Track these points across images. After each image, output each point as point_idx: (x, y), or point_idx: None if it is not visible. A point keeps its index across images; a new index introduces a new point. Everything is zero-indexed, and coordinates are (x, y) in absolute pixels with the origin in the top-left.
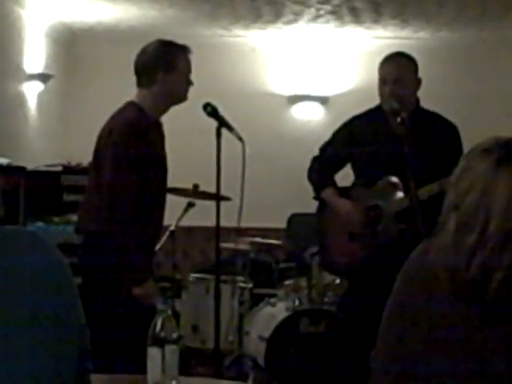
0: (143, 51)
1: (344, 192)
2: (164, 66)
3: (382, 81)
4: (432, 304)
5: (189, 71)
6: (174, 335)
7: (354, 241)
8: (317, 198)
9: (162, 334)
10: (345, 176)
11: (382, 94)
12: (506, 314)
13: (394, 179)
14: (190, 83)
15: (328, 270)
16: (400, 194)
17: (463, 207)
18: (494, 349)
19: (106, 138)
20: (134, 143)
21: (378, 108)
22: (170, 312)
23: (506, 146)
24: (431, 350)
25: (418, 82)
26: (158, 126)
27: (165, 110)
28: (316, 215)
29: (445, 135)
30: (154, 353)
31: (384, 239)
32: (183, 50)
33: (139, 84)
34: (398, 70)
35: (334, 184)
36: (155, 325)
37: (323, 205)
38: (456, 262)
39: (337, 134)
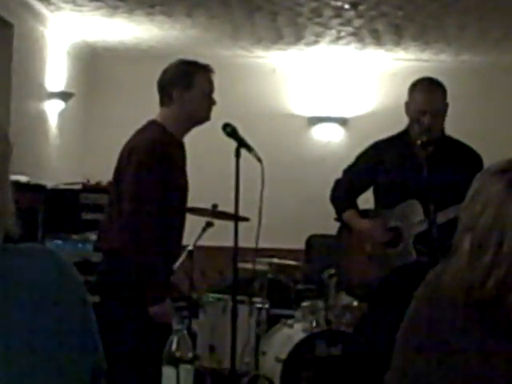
0: (165, 70)
1: (365, 214)
2: (181, 83)
3: (420, 111)
4: (446, 326)
5: (209, 90)
6: (189, 355)
7: (372, 261)
8: (338, 219)
9: (177, 354)
10: (366, 200)
11: (415, 123)
12: None
13: (415, 202)
14: (212, 102)
15: (346, 291)
16: (420, 217)
17: (477, 228)
18: (507, 369)
19: (128, 157)
20: (156, 162)
21: (404, 133)
22: (185, 332)
23: None
24: (445, 372)
25: (447, 108)
26: (181, 146)
27: (187, 129)
28: (335, 237)
29: (468, 163)
30: (168, 372)
31: (403, 260)
32: (203, 68)
33: (161, 103)
34: (437, 101)
35: (355, 206)
36: (170, 344)
37: (344, 227)
38: (471, 282)
39: (361, 158)
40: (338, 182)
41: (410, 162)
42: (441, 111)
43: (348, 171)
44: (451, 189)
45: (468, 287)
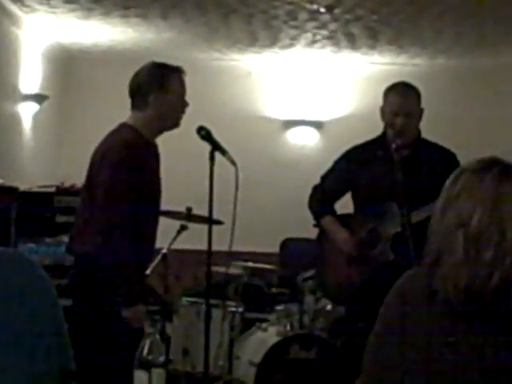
0: (137, 73)
1: (344, 219)
2: (157, 87)
3: (393, 113)
4: (423, 329)
5: (183, 93)
6: (161, 359)
7: (351, 266)
8: (317, 225)
9: (149, 358)
10: (344, 204)
11: (389, 126)
12: None
13: (392, 204)
14: (185, 104)
15: (325, 295)
16: (397, 218)
17: (471, 225)
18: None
19: (101, 159)
20: (129, 164)
21: (381, 137)
22: (157, 335)
23: (501, 161)
24: (419, 374)
25: (421, 112)
26: (153, 148)
27: (158, 132)
28: (316, 242)
29: (444, 164)
30: (140, 376)
31: (381, 262)
32: (176, 71)
33: (133, 106)
34: (410, 104)
35: (333, 212)
36: (142, 348)
37: (323, 232)
38: (470, 278)
39: (338, 163)
40: (315, 189)
41: (387, 166)
42: (413, 114)
43: (325, 177)
44: (428, 190)
45: (467, 284)
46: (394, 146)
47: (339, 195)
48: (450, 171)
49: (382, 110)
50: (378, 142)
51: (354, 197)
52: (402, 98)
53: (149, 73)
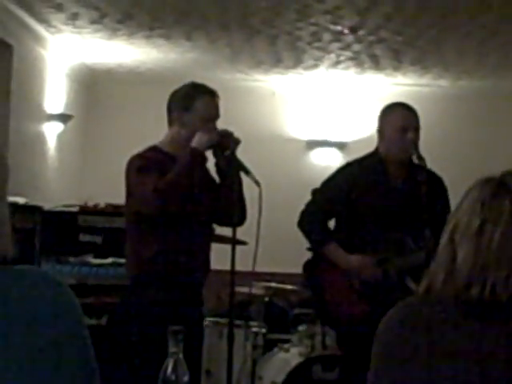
0: (173, 92)
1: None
2: (181, 105)
3: (402, 128)
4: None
5: (208, 115)
6: (185, 378)
7: (362, 297)
8: (312, 249)
9: (173, 377)
10: None
11: (398, 142)
12: None
13: (399, 233)
14: (210, 128)
15: (331, 326)
16: (408, 249)
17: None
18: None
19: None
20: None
21: (375, 155)
22: (181, 355)
23: (508, 174)
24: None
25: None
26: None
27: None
28: (307, 270)
29: (434, 188)
30: None
31: (394, 295)
32: (205, 93)
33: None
34: (417, 119)
35: (333, 238)
36: (166, 367)
37: (319, 259)
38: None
39: (333, 181)
40: (308, 211)
41: (385, 188)
42: (418, 130)
43: (320, 194)
44: (424, 214)
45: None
46: (419, 178)
47: (333, 216)
48: (441, 197)
49: (382, 130)
50: (374, 163)
51: (349, 220)
52: (410, 112)
53: (178, 91)
